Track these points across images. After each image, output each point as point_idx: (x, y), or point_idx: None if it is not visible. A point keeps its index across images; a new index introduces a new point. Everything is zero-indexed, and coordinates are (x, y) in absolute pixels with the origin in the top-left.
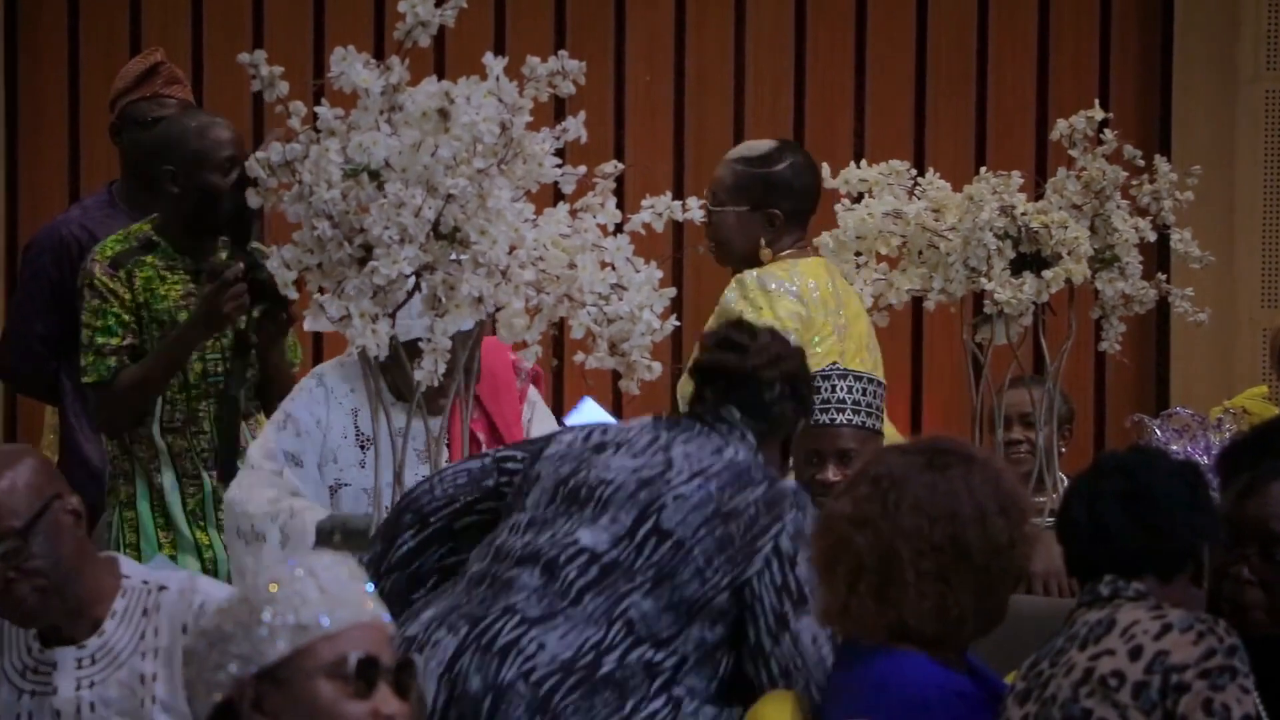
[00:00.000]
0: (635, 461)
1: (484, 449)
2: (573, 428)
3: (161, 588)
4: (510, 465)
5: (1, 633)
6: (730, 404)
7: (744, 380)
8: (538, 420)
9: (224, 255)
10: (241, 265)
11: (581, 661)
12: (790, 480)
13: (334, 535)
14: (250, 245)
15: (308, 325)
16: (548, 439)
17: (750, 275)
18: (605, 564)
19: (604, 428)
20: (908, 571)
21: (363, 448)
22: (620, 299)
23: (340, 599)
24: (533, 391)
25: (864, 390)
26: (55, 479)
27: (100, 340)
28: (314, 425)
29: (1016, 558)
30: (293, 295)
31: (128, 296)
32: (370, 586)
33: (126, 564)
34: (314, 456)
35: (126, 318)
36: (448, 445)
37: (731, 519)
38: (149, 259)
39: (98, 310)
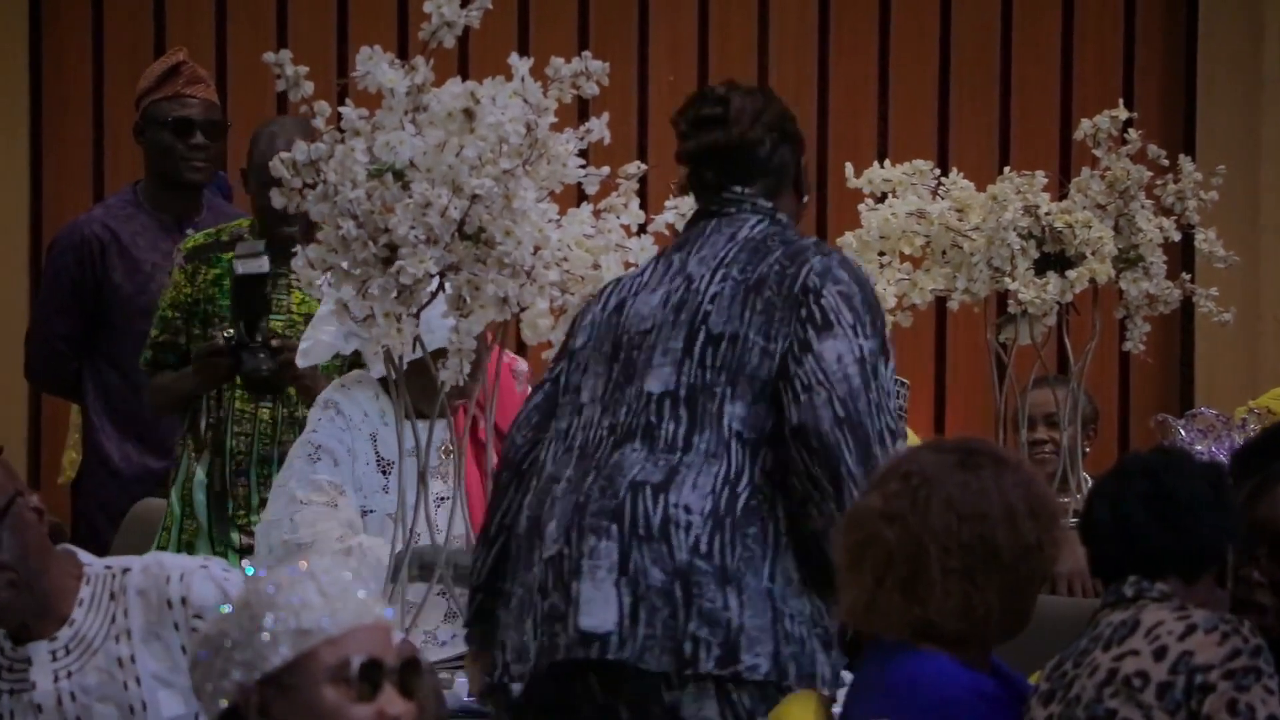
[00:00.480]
0: (659, 294)
1: (489, 455)
2: (590, 304)
3: (125, 570)
4: (564, 377)
5: None
6: (732, 180)
7: (735, 150)
8: None
9: (229, 331)
10: (220, 342)
11: (722, 506)
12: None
13: (410, 569)
14: (259, 331)
15: (300, 361)
16: (573, 329)
17: None
18: (685, 397)
19: (616, 284)
20: (934, 568)
21: (384, 473)
22: None
23: (341, 602)
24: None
25: None
26: (15, 478)
27: (151, 331)
28: (345, 454)
29: (1044, 561)
30: (318, 295)
31: (186, 291)
32: (373, 586)
33: (83, 554)
34: (351, 486)
35: (170, 314)
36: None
37: (762, 286)
38: (227, 255)
39: (161, 301)
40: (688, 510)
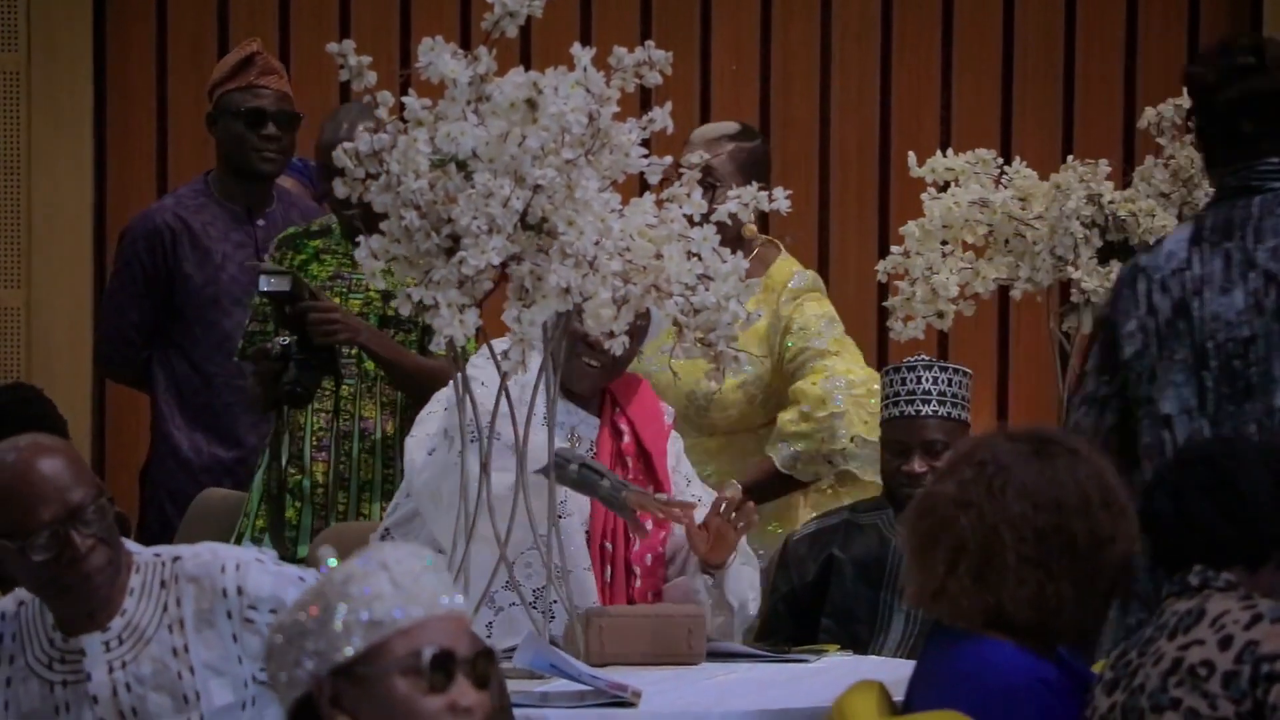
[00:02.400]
0: (1239, 295)
1: (630, 472)
2: (1118, 309)
3: (175, 558)
4: (1104, 390)
5: (20, 627)
6: (1271, 131)
7: (1272, 98)
8: (683, 456)
9: (285, 337)
10: (273, 349)
11: None
12: None
13: (571, 465)
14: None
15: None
16: (1109, 342)
17: (809, 277)
18: None
19: (1146, 280)
20: (1009, 555)
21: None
22: (707, 289)
23: (413, 593)
24: (675, 432)
25: (949, 381)
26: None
27: (245, 321)
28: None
29: (1117, 553)
30: (380, 285)
31: None
32: (445, 576)
33: (130, 543)
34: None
35: (259, 301)
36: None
37: None
38: (313, 242)
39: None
40: None
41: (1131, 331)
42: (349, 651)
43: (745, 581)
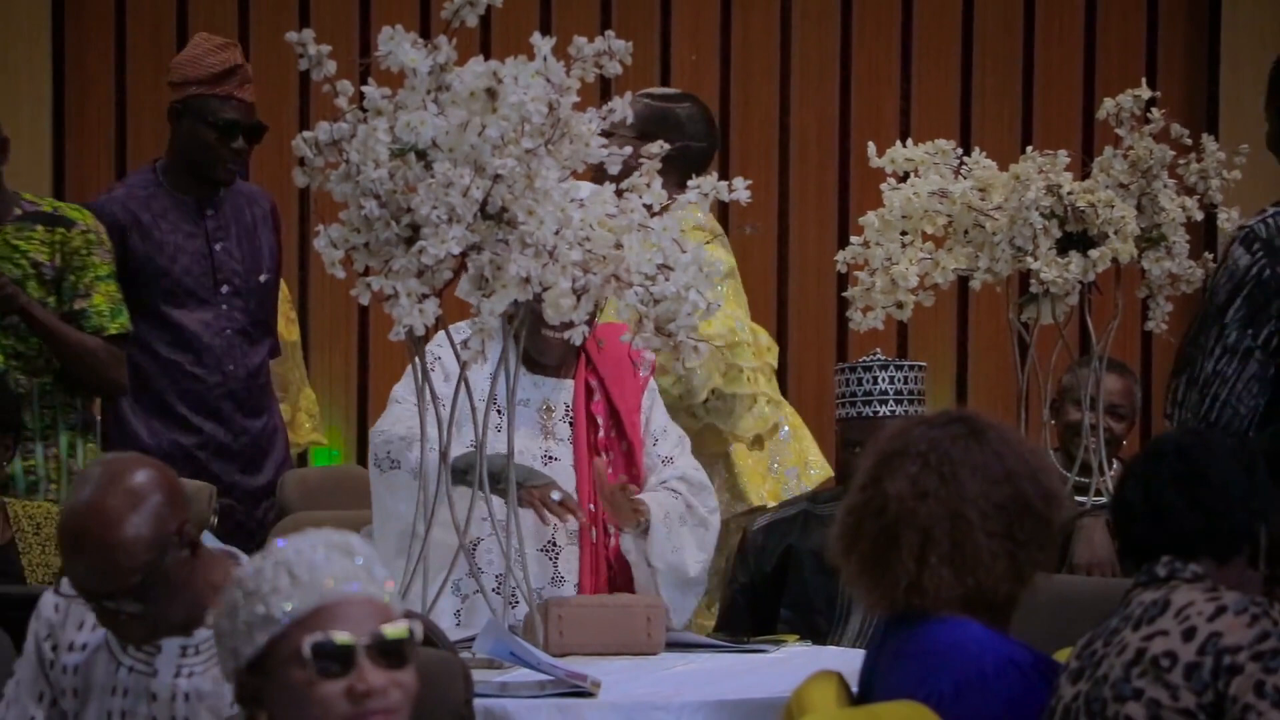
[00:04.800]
0: None
1: (600, 431)
2: None
3: None
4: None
5: None
6: None
7: None
8: (657, 409)
9: None
10: None
11: None
12: None
13: (467, 474)
14: None
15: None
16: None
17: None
18: None
19: None
20: (978, 534)
21: (499, 412)
22: (667, 279)
23: (308, 583)
24: (653, 382)
25: (905, 379)
26: (178, 507)
27: None
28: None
29: (1064, 509)
30: (339, 274)
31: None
32: (353, 562)
33: (244, 558)
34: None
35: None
36: (572, 423)
37: None
38: None
39: None
40: None
41: None
42: (251, 649)
43: (686, 543)
